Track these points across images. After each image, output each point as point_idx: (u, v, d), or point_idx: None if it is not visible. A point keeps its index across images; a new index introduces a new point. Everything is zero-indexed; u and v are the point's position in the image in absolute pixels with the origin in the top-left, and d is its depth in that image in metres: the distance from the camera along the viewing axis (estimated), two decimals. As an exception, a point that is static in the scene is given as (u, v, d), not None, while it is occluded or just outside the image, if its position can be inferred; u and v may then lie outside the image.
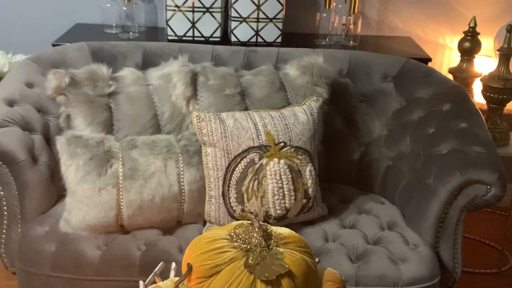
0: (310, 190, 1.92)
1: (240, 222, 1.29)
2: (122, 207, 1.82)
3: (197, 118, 1.88)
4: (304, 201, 1.92)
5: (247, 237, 1.21)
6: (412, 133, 2.16)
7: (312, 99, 2.03)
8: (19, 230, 1.88)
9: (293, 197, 1.88)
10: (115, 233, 1.87)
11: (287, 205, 1.88)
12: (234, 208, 1.87)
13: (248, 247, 1.20)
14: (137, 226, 1.88)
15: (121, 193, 1.82)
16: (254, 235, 1.21)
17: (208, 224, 1.93)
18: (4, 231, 1.89)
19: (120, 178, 1.83)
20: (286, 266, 1.18)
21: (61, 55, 2.19)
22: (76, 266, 1.78)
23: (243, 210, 1.81)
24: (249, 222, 1.25)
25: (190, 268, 1.18)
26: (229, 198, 1.87)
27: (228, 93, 2.07)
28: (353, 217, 2.05)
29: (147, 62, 2.21)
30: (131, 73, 2.10)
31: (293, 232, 1.31)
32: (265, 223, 1.30)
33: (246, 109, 2.08)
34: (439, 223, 1.90)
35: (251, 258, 1.18)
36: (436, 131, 2.06)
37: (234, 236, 1.22)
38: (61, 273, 1.78)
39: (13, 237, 1.88)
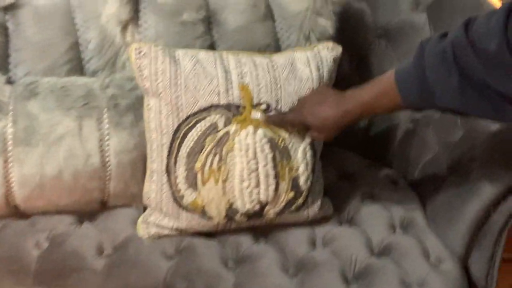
0: (301, 179, 1.33)
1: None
2: (12, 185, 1.27)
3: (137, 52, 1.28)
4: (291, 194, 1.32)
5: None
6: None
7: (326, 47, 1.43)
8: None
9: (272, 186, 1.29)
10: (6, 217, 1.32)
11: (261, 197, 1.30)
12: (182, 192, 1.30)
13: None
14: (39, 210, 1.33)
15: (10, 165, 1.26)
16: None
17: (148, 209, 1.36)
18: None
19: (9, 143, 1.26)
20: None
21: None
22: None
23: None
24: None
25: None
26: (176, 176, 1.29)
27: (187, 19, 1.45)
28: (355, 205, 1.53)
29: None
30: (45, -24, 1.46)
31: None
32: None
33: (212, 44, 1.49)
34: (476, 229, 1.39)
35: None
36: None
37: None
38: None
39: None
